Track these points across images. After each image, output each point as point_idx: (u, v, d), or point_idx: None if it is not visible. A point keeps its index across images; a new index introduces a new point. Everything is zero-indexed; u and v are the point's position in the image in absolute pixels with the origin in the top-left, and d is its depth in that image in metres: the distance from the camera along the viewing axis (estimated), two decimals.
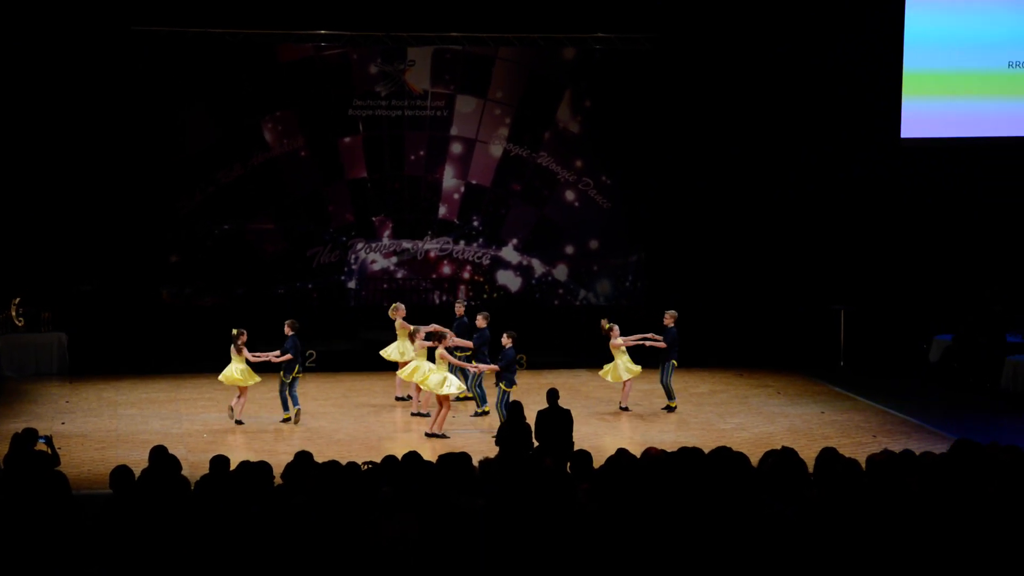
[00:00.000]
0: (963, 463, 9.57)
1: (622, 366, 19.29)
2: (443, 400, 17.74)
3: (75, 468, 15.06)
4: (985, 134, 24.05)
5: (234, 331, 18.58)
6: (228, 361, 18.63)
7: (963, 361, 22.08)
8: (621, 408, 19.47)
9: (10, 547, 8.56)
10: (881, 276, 24.51)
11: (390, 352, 20.00)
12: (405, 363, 18.95)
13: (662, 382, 19.43)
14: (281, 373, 18.60)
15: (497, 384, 17.95)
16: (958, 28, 23.62)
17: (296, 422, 18.49)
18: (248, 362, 18.51)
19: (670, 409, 19.33)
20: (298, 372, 18.65)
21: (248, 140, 23.51)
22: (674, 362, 19.36)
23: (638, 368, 19.40)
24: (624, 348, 19.31)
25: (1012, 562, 8.28)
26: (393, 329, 20.07)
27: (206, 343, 22.56)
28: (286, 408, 18.67)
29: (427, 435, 17.59)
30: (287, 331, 18.68)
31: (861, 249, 24.50)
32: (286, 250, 23.84)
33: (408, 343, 19.19)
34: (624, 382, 19.39)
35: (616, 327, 19.36)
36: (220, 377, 18.63)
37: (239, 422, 18.50)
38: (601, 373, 19.57)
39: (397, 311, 19.93)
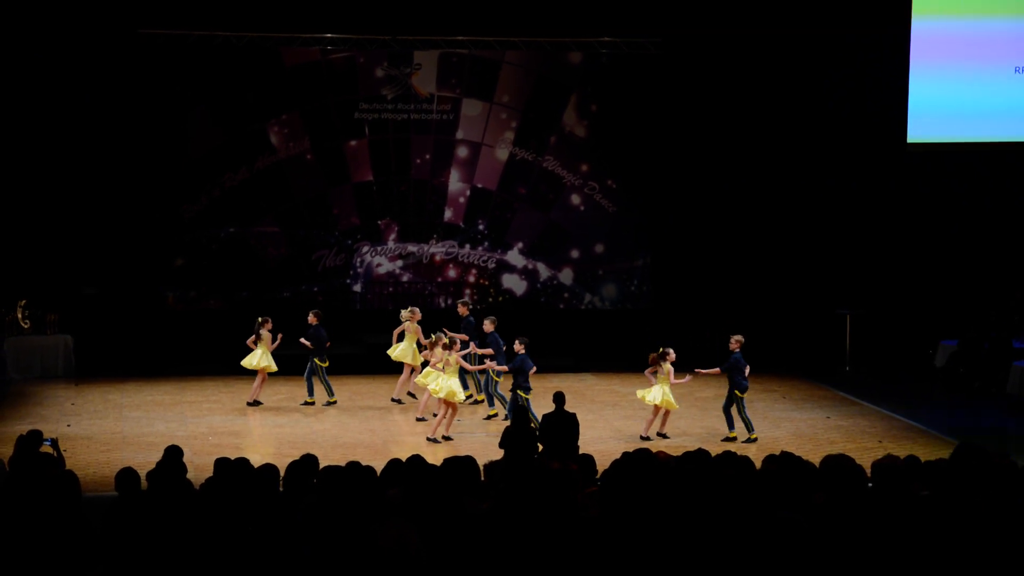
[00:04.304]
0: (967, 467, 9.55)
1: (661, 392, 17.72)
2: (447, 405, 17.88)
3: (80, 470, 15.00)
4: (992, 138, 24.01)
5: (259, 319, 19.99)
6: (239, 357, 20.30)
7: (969, 366, 22.08)
8: (641, 437, 17.77)
9: (17, 548, 8.57)
10: (887, 280, 24.49)
11: (399, 353, 20.13)
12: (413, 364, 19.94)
13: (741, 416, 17.78)
14: (316, 359, 19.94)
15: (513, 390, 17.91)
16: (963, 35, 23.60)
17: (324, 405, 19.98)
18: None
19: (750, 440, 17.62)
20: (326, 361, 20.05)
21: (254, 144, 23.54)
22: (737, 392, 17.79)
23: (674, 404, 17.90)
24: (670, 374, 17.75)
25: (1016, 567, 8.27)
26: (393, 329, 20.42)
27: (211, 346, 22.71)
28: (311, 393, 20.02)
29: (428, 439, 17.65)
30: (312, 320, 20.06)
31: (867, 253, 24.48)
32: (291, 253, 23.86)
33: (415, 345, 19.92)
34: (656, 408, 17.87)
35: (672, 352, 17.85)
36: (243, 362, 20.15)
37: (258, 402, 19.92)
38: (650, 398, 17.87)
39: (414, 315, 20.04)
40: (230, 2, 23.15)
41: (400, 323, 20.15)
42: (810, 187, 24.36)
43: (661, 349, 17.92)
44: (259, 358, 19.86)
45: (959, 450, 9.97)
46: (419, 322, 20.08)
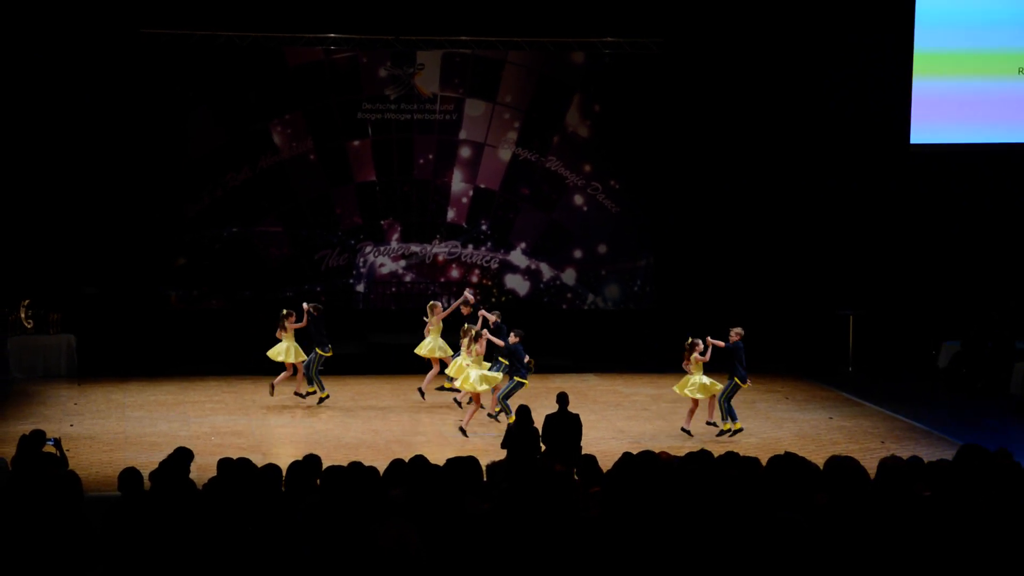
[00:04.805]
0: (970, 468, 9.54)
1: (697, 383, 17.92)
2: (476, 397, 18.20)
3: (83, 470, 15.02)
4: (994, 140, 23.99)
5: (284, 311, 19.92)
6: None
7: (972, 366, 22.05)
8: (682, 429, 18.02)
9: (19, 547, 8.57)
10: (890, 281, 24.47)
11: (425, 350, 20.12)
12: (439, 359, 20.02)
13: (726, 404, 17.97)
14: (318, 349, 19.82)
15: (511, 377, 18.19)
16: (967, 34, 23.55)
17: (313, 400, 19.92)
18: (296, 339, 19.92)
19: (724, 432, 17.84)
20: (325, 352, 19.96)
21: (256, 143, 23.53)
22: (736, 380, 17.87)
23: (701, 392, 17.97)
24: (700, 363, 17.94)
25: (1018, 568, 8.27)
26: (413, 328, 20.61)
27: (213, 346, 22.73)
28: (321, 388, 19.90)
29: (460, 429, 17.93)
30: (313, 313, 19.95)
31: (870, 254, 24.46)
32: (294, 253, 23.85)
33: (440, 339, 19.98)
34: (694, 400, 18.03)
35: (700, 343, 17.98)
36: (268, 353, 20.08)
37: (271, 393, 19.89)
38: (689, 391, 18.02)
39: (435, 310, 20.04)
40: (233, 2, 23.15)
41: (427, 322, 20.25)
42: (812, 188, 24.34)
43: (690, 340, 18.04)
44: (284, 351, 19.89)
45: (962, 451, 9.98)
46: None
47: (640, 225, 24.54)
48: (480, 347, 18.26)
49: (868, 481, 9.11)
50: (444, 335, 20.03)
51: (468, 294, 20.54)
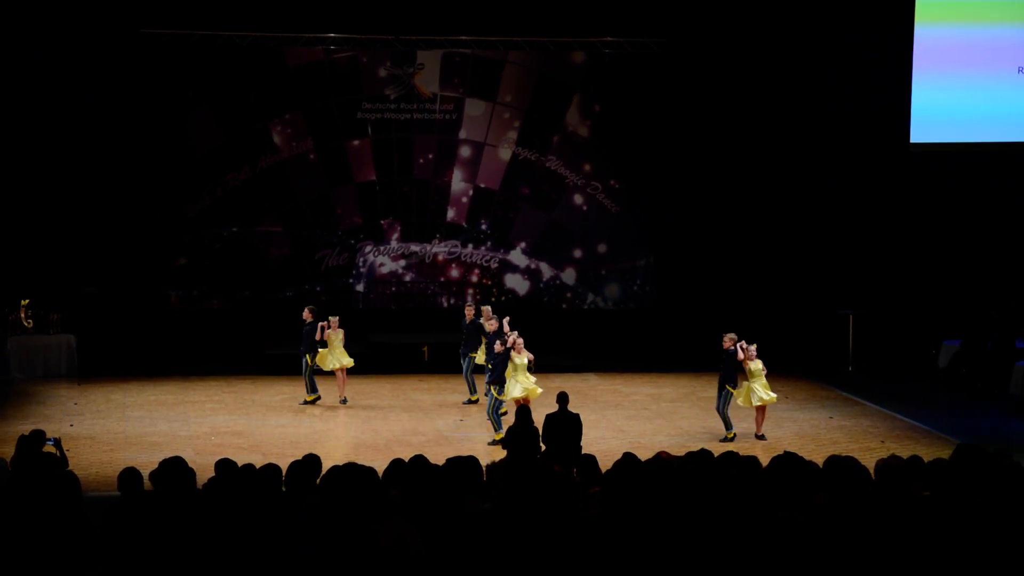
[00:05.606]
0: (968, 468, 9.54)
1: (758, 389, 17.71)
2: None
3: (83, 470, 15.04)
4: (995, 139, 23.98)
5: (320, 324, 19.88)
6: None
7: (972, 366, 22.04)
8: (756, 437, 17.81)
9: (18, 548, 8.57)
10: (890, 281, 24.48)
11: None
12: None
13: (718, 410, 17.79)
14: (308, 356, 19.79)
15: (488, 391, 17.80)
16: (966, 36, 23.55)
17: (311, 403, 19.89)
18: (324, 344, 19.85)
19: (726, 439, 17.46)
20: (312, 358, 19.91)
21: (257, 143, 23.55)
22: (729, 387, 17.61)
23: (773, 396, 17.82)
24: (761, 369, 17.63)
25: (1017, 568, 8.27)
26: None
27: (213, 346, 22.73)
28: (312, 391, 19.88)
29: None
30: (306, 316, 19.92)
31: (870, 253, 24.46)
32: (294, 253, 23.87)
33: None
34: (757, 408, 17.82)
35: (745, 344, 17.73)
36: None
37: (344, 399, 19.97)
38: (741, 401, 17.83)
39: (485, 315, 19.91)
40: (233, 2, 23.16)
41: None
42: (812, 187, 24.34)
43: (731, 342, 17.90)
44: (332, 359, 19.87)
45: (959, 451, 9.97)
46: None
47: (640, 225, 24.55)
48: (524, 352, 17.95)
49: (868, 481, 9.11)
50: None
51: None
